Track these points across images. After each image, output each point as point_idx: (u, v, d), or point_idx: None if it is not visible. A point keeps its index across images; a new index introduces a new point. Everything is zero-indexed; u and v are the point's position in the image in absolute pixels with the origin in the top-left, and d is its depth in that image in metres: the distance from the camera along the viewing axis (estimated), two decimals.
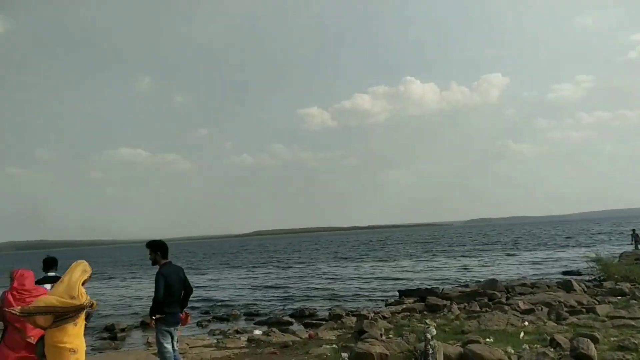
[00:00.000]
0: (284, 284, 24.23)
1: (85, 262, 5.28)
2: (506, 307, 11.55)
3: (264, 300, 18.48)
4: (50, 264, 6.93)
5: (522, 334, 8.55)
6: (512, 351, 7.20)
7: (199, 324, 13.58)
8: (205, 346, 9.84)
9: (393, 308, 13.83)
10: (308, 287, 22.01)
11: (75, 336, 4.88)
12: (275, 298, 19.13)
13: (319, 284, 23.40)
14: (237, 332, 11.71)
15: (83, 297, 4.92)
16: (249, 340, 10.14)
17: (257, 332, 11.31)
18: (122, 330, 12.91)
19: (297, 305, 16.57)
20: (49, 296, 4.89)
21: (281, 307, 16.54)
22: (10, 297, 5.55)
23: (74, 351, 4.83)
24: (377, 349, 7.38)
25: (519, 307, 11.50)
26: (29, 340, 5.56)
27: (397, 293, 17.42)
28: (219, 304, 17.91)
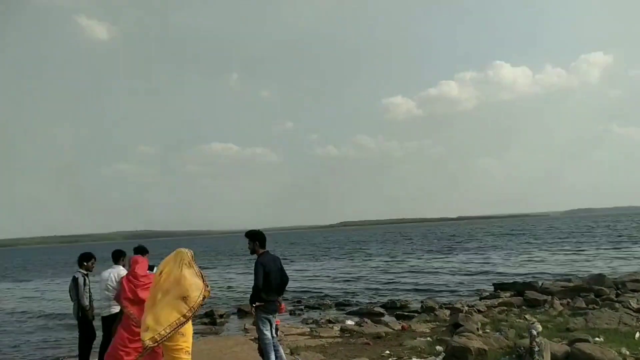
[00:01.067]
0: (370, 275, 24.22)
1: (184, 251, 5.09)
2: (617, 305, 10.65)
3: (352, 291, 18.58)
4: (117, 256, 7.13)
5: (637, 335, 7.85)
6: (628, 352, 6.64)
7: (292, 313, 13.98)
8: (299, 334, 10.10)
9: (488, 302, 13.32)
10: (395, 279, 21.84)
11: None
12: (363, 289, 19.16)
13: (406, 276, 23.14)
14: (329, 321, 11.90)
15: (199, 297, 4.91)
16: (342, 330, 10.25)
17: (349, 322, 11.41)
18: (221, 316, 13.59)
19: (385, 297, 16.53)
20: (173, 313, 4.74)
21: (370, 298, 16.56)
22: (125, 282, 6.06)
23: (183, 334, 5.14)
24: (475, 343, 7.13)
25: (631, 305, 10.56)
26: (133, 319, 5.97)
27: (490, 287, 16.77)
28: (309, 293, 18.28)
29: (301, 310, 14.57)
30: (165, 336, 4.70)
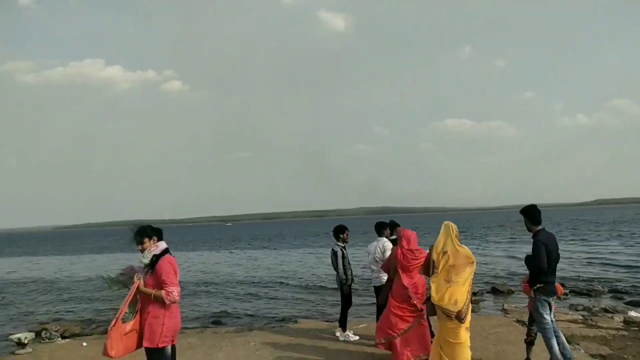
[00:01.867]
0: (636, 261, 20.30)
1: (450, 224, 5.37)
2: None
3: (616, 278, 15.95)
4: (380, 228, 7.64)
5: None
6: None
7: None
8: (570, 321, 9.09)
9: None
10: None
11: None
12: (629, 276, 16.28)
13: None
14: (605, 310, 10.37)
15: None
16: (626, 322, 8.83)
17: (634, 313, 9.73)
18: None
19: None
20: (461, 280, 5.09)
21: None
22: (400, 253, 6.25)
23: (456, 303, 5.08)
24: None
25: None
26: (406, 291, 6.12)
27: None
28: (566, 278, 16.27)
29: (566, 295, 13.08)
30: (466, 306, 5.05)
